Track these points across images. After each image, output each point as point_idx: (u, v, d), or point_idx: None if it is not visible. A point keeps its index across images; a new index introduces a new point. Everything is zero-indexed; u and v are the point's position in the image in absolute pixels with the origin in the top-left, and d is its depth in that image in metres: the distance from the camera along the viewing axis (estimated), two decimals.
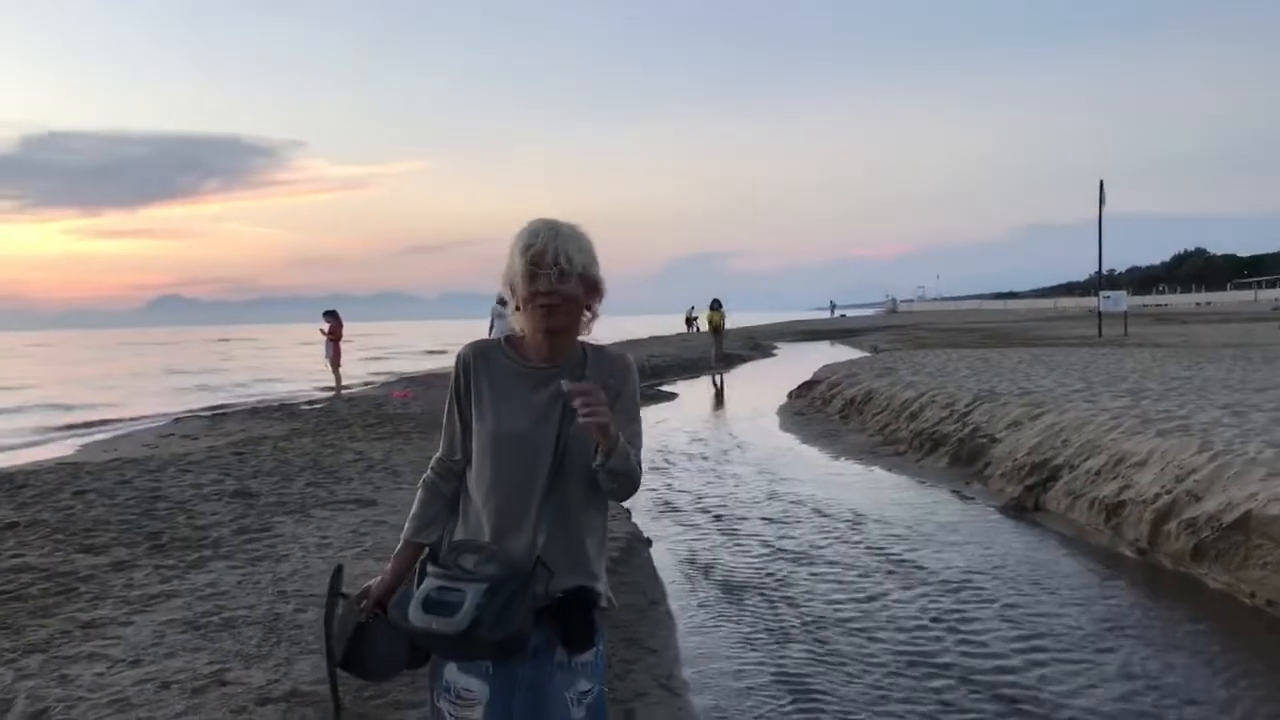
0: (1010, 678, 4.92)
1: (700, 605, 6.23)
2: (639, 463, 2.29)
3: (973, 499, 9.44)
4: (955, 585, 6.53)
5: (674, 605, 6.21)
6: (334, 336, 23.19)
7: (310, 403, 20.60)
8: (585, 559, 2.31)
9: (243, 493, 8.99)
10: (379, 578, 2.47)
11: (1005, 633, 5.59)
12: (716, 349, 30.88)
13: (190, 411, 20.79)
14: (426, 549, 2.40)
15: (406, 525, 2.45)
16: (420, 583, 2.26)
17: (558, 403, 2.27)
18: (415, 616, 2.18)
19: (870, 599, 6.27)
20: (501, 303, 19.97)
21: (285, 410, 18.63)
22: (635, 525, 8.01)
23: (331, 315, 23.42)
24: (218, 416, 18.47)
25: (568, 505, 2.27)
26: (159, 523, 7.77)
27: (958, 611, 5.97)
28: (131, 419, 20.21)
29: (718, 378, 26.75)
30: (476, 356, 2.38)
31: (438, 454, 2.46)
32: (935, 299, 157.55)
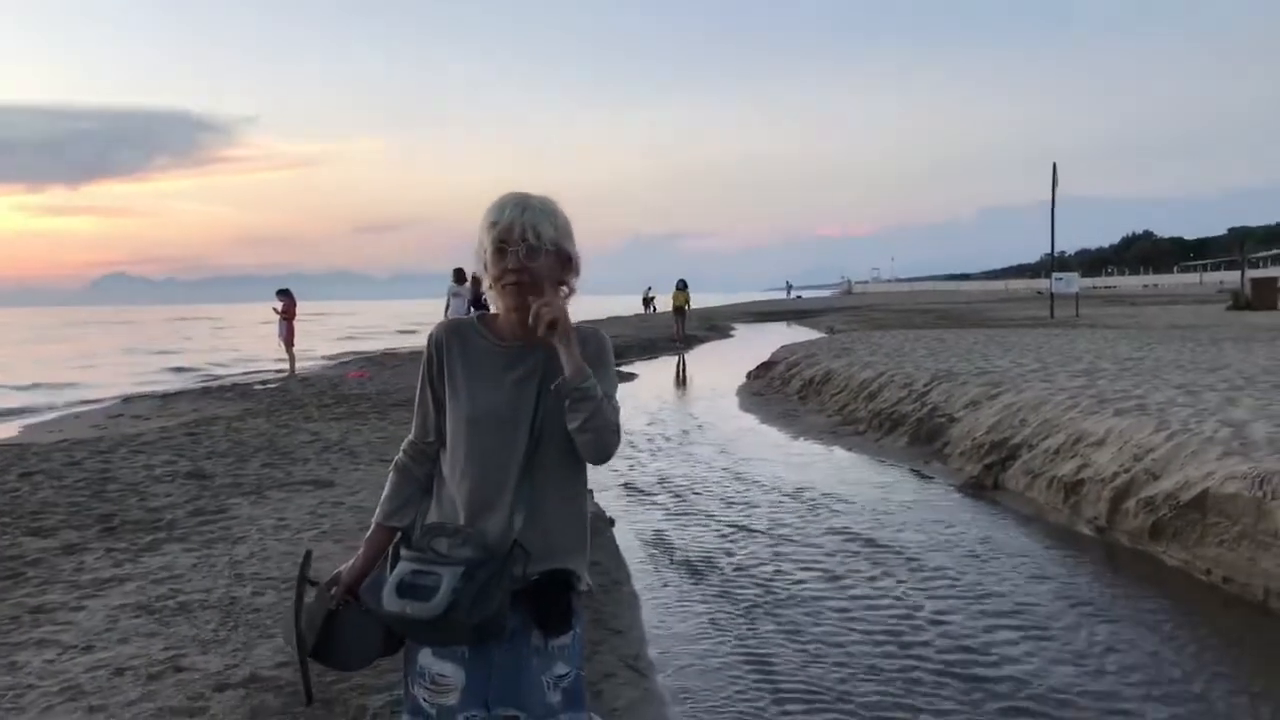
0: (974, 656, 4.93)
1: (665, 585, 6.20)
2: (616, 424, 2.23)
3: (932, 478, 9.50)
4: (917, 563, 6.55)
5: (638, 585, 6.17)
6: (287, 315, 22.89)
7: (264, 383, 20.29)
8: (564, 541, 2.27)
9: (196, 474, 8.82)
10: (349, 563, 2.40)
11: (967, 610, 5.61)
12: (679, 328, 30.88)
13: (140, 392, 20.38)
14: (399, 533, 2.35)
15: (378, 508, 2.39)
16: (393, 567, 2.22)
17: (533, 381, 2.24)
18: (389, 601, 2.13)
19: (834, 578, 6.27)
20: (458, 280, 19.84)
21: (238, 390, 18.35)
22: (598, 504, 7.95)
23: (285, 294, 23.10)
24: (169, 397, 18.13)
25: (545, 486, 2.23)
26: (110, 505, 7.59)
27: (920, 589, 5.99)
28: (88, 401, 19.75)
29: (680, 358, 26.73)
30: (449, 335, 2.33)
31: (409, 436, 2.40)
32: (890, 280, 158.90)
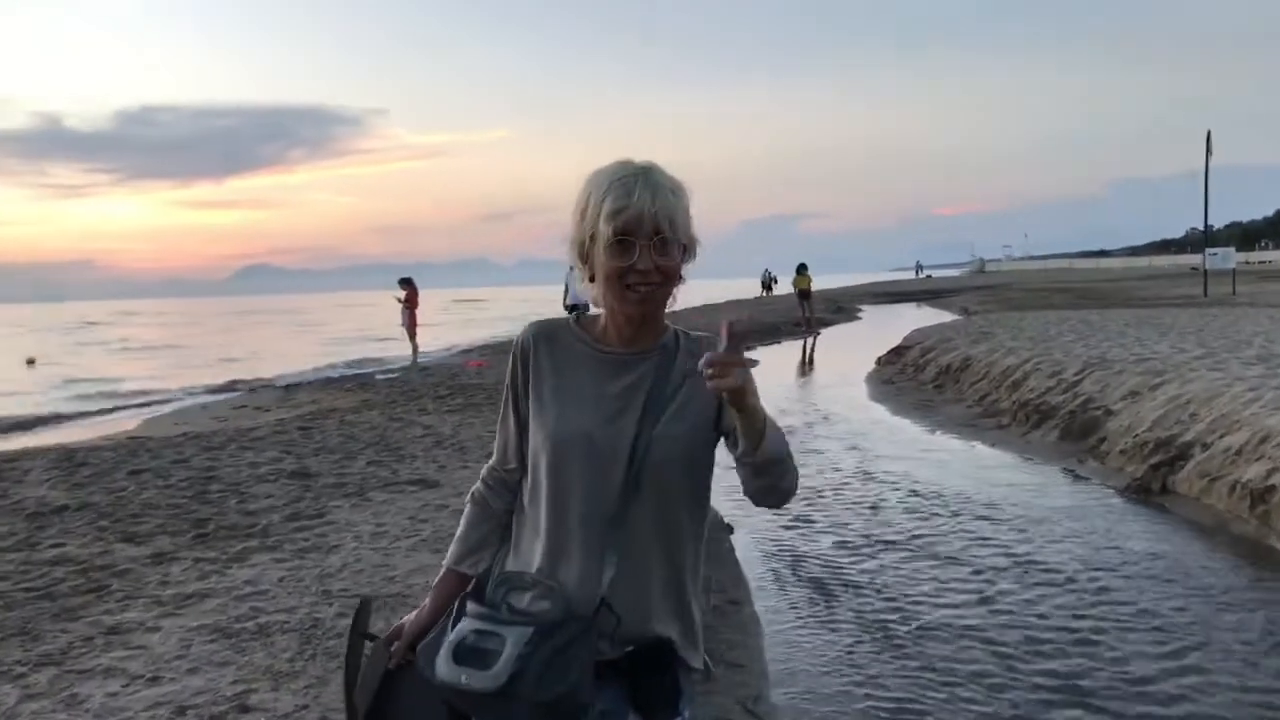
0: (1160, 709, 4.15)
1: (790, 607, 5.54)
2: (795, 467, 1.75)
3: (1088, 479, 8.55)
4: (1078, 584, 5.74)
5: (760, 606, 5.53)
6: (410, 304, 22.85)
7: (385, 372, 20.30)
8: (667, 604, 1.82)
9: (301, 473, 8.53)
10: (415, 612, 2.00)
11: (1145, 646, 4.80)
12: (806, 313, 29.73)
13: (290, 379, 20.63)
14: (472, 581, 1.92)
15: (451, 549, 2.01)
16: (456, 623, 1.80)
17: (638, 396, 1.82)
18: (444, 668, 1.73)
19: (983, 600, 5.51)
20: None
21: (358, 380, 18.34)
22: (714, 509, 7.31)
23: (407, 283, 23.06)
24: (291, 387, 18.24)
25: (645, 530, 1.79)
26: (209, 507, 7.32)
27: (1085, 616, 5.19)
28: (215, 390, 20.10)
29: (808, 342, 25.75)
30: (539, 339, 1.92)
31: (489, 461, 2.01)
32: (1023, 258, 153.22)
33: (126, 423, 15.05)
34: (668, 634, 1.82)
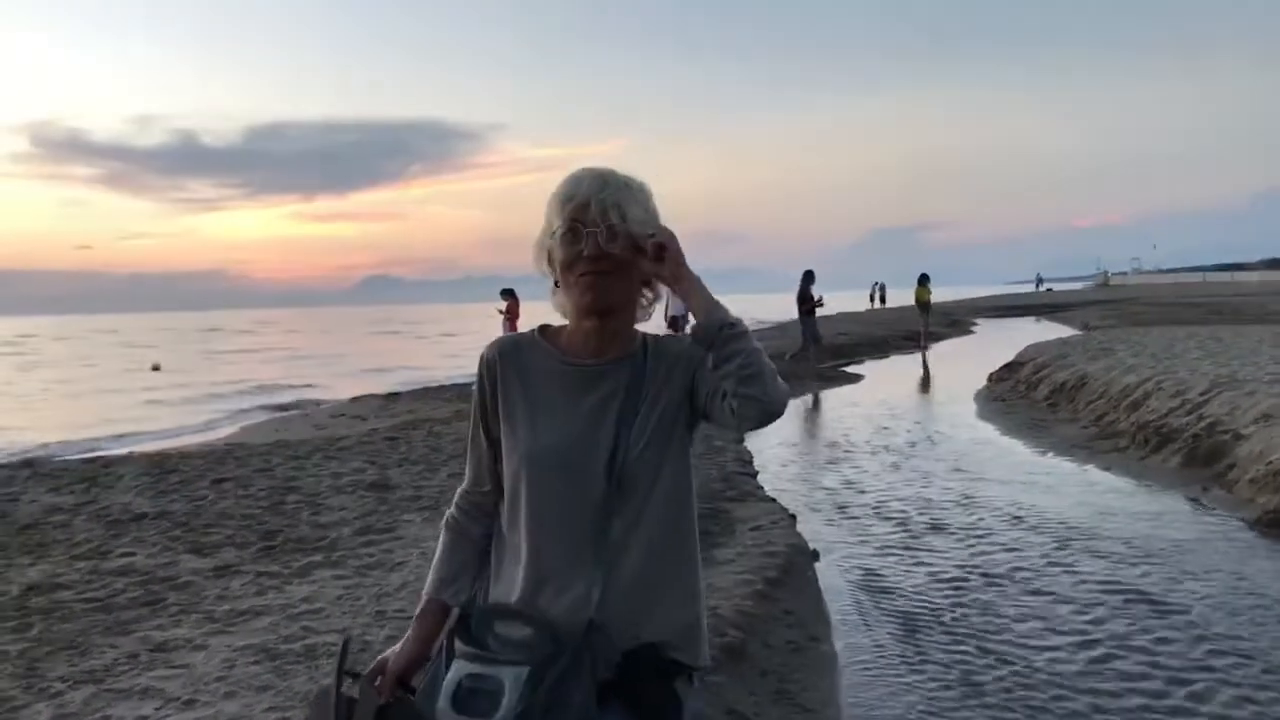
0: None
1: (873, 645, 5.09)
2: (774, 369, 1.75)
3: (1213, 509, 7.84)
4: (1200, 629, 5.16)
5: (839, 644, 5.11)
6: (511, 315, 22.85)
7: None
8: (661, 613, 1.79)
9: (380, 484, 8.41)
10: (398, 645, 1.93)
11: (1278, 709, 4.23)
12: (924, 326, 28.69)
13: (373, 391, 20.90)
14: (456, 611, 1.89)
15: (429, 577, 1.94)
16: (449, 663, 1.76)
17: (612, 407, 1.80)
18: (444, 716, 1.70)
19: (1089, 644, 4.98)
20: None
21: (457, 390, 18.37)
22: (799, 535, 6.90)
23: (509, 294, 23.09)
24: (391, 396, 18.38)
25: (630, 545, 1.78)
26: (282, 519, 7.23)
27: (1209, 670, 4.62)
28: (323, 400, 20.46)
29: (924, 356, 24.87)
30: (504, 356, 1.88)
31: (461, 487, 1.97)
32: (1152, 271, 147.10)
33: (225, 430, 15.31)
34: (661, 638, 1.79)
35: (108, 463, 10.09)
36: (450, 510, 1.98)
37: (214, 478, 8.81)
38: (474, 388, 1.91)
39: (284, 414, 18.29)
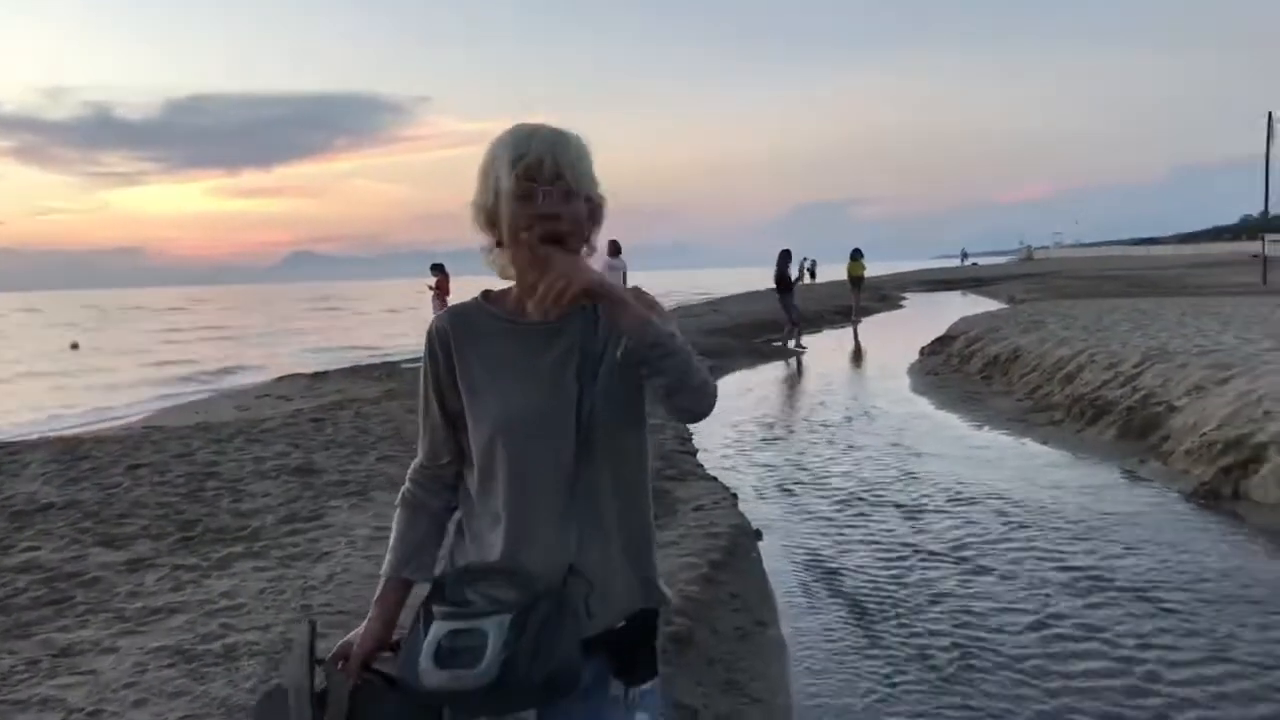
0: None
1: (823, 629, 4.94)
2: (705, 372, 1.80)
3: (1150, 481, 7.86)
4: (1147, 605, 5.09)
5: (786, 629, 4.95)
6: (441, 290, 22.37)
7: (415, 360, 19.88)
8: (635, 564, 1.87)
9: (305, 468, 8.05)
10: (361, 628, 1.92)
11: (1230, 684, 4.17)
12: (855, 301, 28.69)
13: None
14: (428, 587, 1.86)
15: (387, 558, 1.94)
16: (427, 629, 1.74)
17: (571, 362, 1.81)
18: (429, 675, 1.69)
19: (1040, 624, 4.89)
20: (614, 254, 18.85)
21: (387, 368, 17.94)
22: (742, 515, 6.74)
23: (438, 269, 22.58)
24: (318, 375, 17.88)
25: (601, 495, 1.82)
26: (201, 506, 6.85)
27: (1156, 648, 4.55)
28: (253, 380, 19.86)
29: (854, 330, 24.88)
30: (456, 326, 1.86)
31: (416, 460, 1.96)
32: (1072, 245, 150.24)
33: (143, 412, 14.74)
34: (646, 604, 1.88)
35: (14, 449, 9.54)
36: (406, 487, 1.96)
37: (129, 464, 8.36)
38: (423, 362, 1.89)
39: (205, 395, 17.68)
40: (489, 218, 1.79)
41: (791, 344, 20.39)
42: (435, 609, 1.75)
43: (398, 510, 1.95)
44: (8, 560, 5.68)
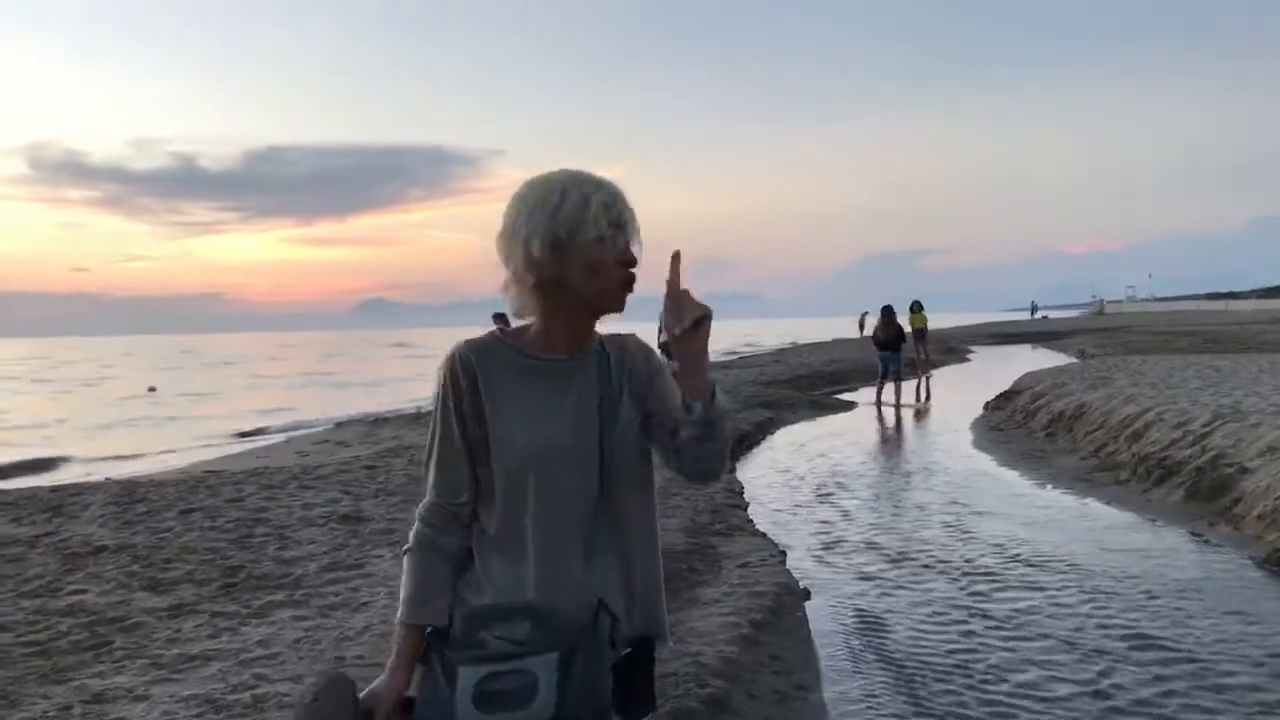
0: None
1: (865, 695, 4.77)
2: None
3: (1219, 546, 7.53)
4: (1211, 677, 4.84)
5: (828, 693, 4.79)
6: None
7: None
8: (649, 596, 1.92)
9: (353, 516, 8.07)
10: (385, 677, 1.86)
11: None
12: (921, 354, 27.93)
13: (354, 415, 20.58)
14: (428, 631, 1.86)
15: (406, 604, 1.87)
16: (446, 676, 1.75)
17: (593, 399, 1.87)
18: None
19: (1097, 695, 4.67)
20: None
21: None
22: (788, 573, 6.58)
23: (500, 318, 22.75)
24: (378, 422, 18.04)
25: (625, 529, 1.88)
26: (246, 553, 6.88)
27: None
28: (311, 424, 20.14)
29: (921, 384, 24.28)
30: (481, 359, 1.87)
31: (429, 499, 1.90)
32: (1146, 299, 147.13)
33: (206, 454, 14.97)
34: (652, 630, 1.91)
35: (76, 490, 9.72)
36: (419, 528, 1.90)
37: (182, 508, 8.45)
38: (441, 398, 1.87)
39: (270, 441, 17.94)
40: (550, 251, 1.80)
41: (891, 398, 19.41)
42: (454, 654, 1.76)
43: (412, 555, 1.90)
44: (55, 603, 5.74)
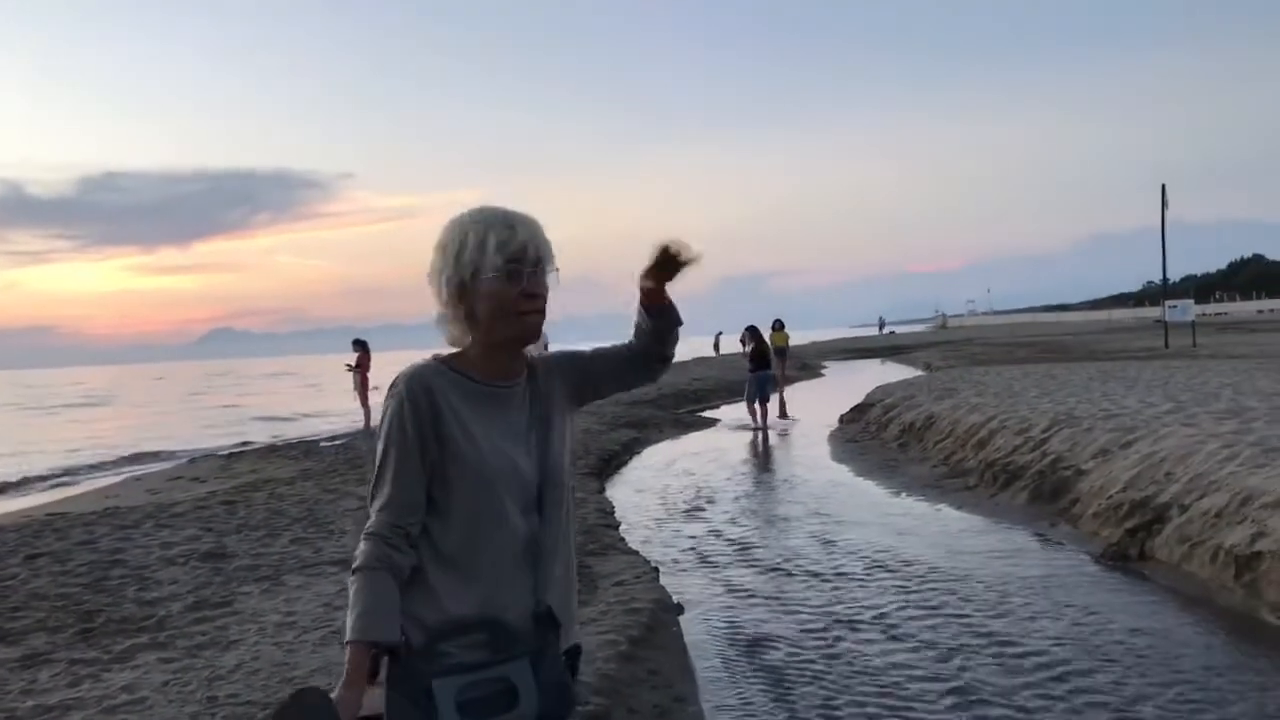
0: None
1: (742, 703, 4.92)
2: None
3: (1061, 544, 8.03)
4: (1060, 669, 5.17)
5: (706, 704, 4.92)
6: (362, 367, 22.09)
7: (333, 438, 19.55)
8: (575, 607, 2.09)
9: (216, 553, 7.83)
10: (342, 692, 1.80)
11: None
12: (779, 370, 28.54)
13: (209, 450, 19.84)
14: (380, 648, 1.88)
15: (359, 622, 1.84)
16: (413, 694, 1.80)
17: (534, 422, 2.02)
18: None
19: (955, 691, 4.93)
20: None
21: (304, 448, 17.59)
22: (662, 589, 6.71)
23: (360, 345, 22.30)
24: (233, 456, 17.46)
25: (558, 543, 2.01)
26: (103, 597, 6.60)
27: (1076, 713, 4.62)
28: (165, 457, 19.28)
29: (779, 399, 24.77)
30: (437, 383, 1.95)
31: (384, 519, 1.91)
32: (986, 313, 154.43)
33: (46, 496, 14.21)
34: (578, 638, 2.11)
35: None
36: (374, 547, 1.88)
37: (27, 553, 8.02)
38: (400, 419, 1.91)
39: (114, 478, 17.11)
40: (458, 293, 1.95)
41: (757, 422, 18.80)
42: (425, 668, 1.82)
43: (366, 574, 1.88)
44: None
